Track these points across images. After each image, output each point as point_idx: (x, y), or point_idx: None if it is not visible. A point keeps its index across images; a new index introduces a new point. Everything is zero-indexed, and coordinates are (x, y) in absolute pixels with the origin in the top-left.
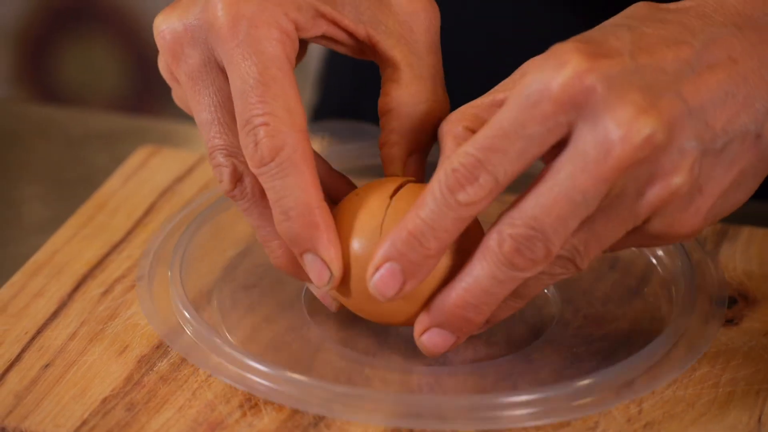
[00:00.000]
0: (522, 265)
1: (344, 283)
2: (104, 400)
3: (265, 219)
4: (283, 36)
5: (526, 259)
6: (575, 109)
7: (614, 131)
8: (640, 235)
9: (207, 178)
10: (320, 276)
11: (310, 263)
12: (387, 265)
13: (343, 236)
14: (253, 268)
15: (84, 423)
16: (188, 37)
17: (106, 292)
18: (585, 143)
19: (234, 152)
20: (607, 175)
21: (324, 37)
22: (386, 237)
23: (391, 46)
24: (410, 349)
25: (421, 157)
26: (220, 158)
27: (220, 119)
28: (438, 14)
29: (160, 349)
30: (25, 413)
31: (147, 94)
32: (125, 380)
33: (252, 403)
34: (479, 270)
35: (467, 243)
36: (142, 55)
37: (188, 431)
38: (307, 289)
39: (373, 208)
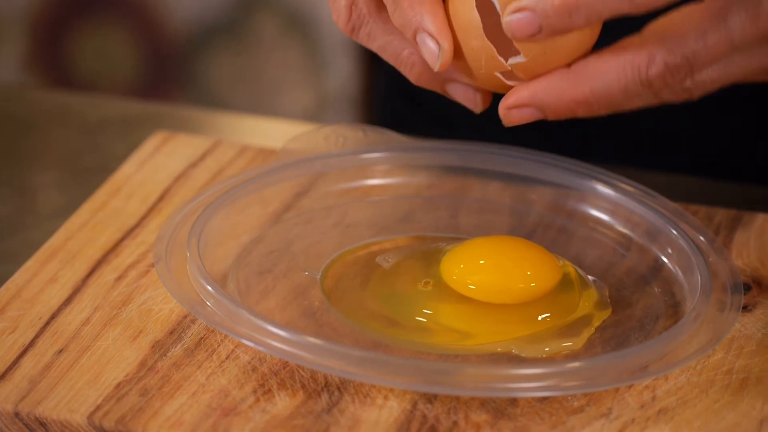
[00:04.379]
0: (658, 87)
1: (459, 57)
2: (118, 386)
3: (390, 33)
4: None
5: (665, 84)
6: None
7: None
8: None
9: (221, 164)
10: (431, 53)
11: (421, 43)
12: (527, 14)
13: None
14: (267, 254)
15: (98, 408)
16: None
17: (120, 278)
18: None
19: None
20: None
21: None
22: None
23: None
24: (426, 334)
25: None
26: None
27: None
28: None
29: (174, 334)
30: (39, 398)
31: (162, 80)
32: (139, 365)
33: (266, 388)
34: (613, 77)
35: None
36: (156, 40)
37: (202, 417)
38: (323, 275)
39: None
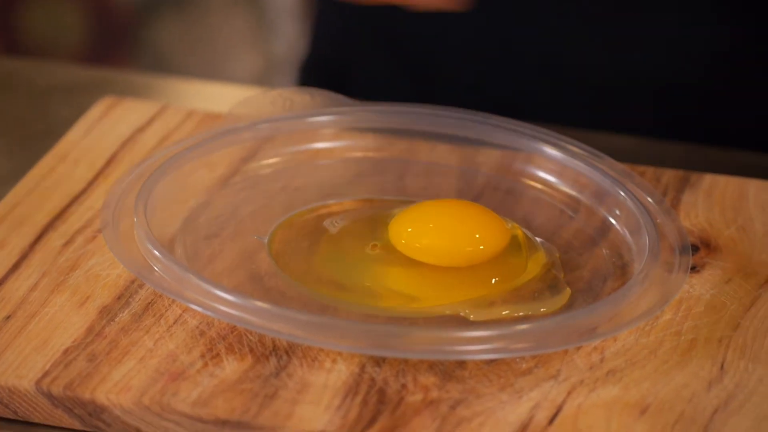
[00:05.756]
0: None
1: None
2: (66, 351)
3: None
4: None
5: None
6: None
7: None
8: None
9: (168, 129)
10: None
11: None
12: None
13: None
14: (214, 218)
15: (46, 374)
16: None
17: (67, 243)
18: None
19: None
20: None
21: None
22: None
23: None
24: (374, 298)
25: None
26: None
27: None
28: None
29: (122, 299)
30: None
31: (110, 46)
32: (87, 331)
33: (214, 353)
34: None
35: None
36: (105, 6)
37: (150, 381)
38: (270, 239)
39: None
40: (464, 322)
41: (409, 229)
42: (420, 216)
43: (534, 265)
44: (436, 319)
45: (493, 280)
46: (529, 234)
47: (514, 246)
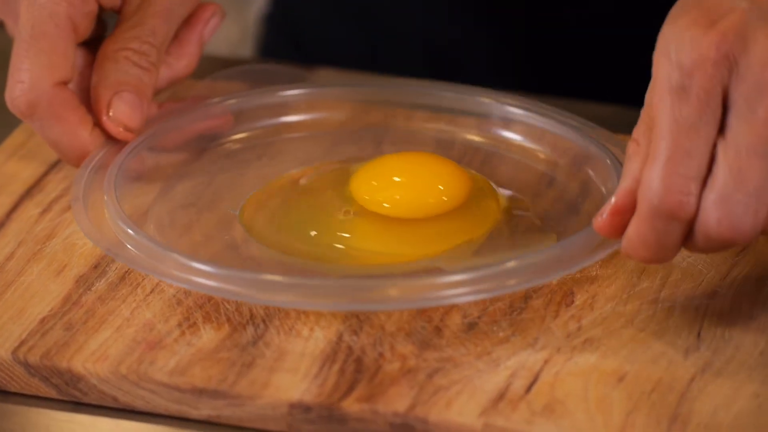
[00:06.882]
0: None
1: None
2: (42, 320)
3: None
4: None
5: None
6: None
7: None
8: None
9: None
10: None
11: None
12: None
13: None
14: (190, 187)
15: (22, 343)
16: None
17: (44, 212)
18: None
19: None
20: None
21: None
22: None
23: None
24: (347, 258)
25: None
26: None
27: None
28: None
29: (98, 268)
30: None
31: None
32: (63, 300)
33: (191, 321)
34: None
35: None
36: None
37: (127, 350)
38: (243, 208)
39: None
40: (442, 273)
41: (374, 183)
42: (381, 169)
43: (498, 210)
44: (412, 272)
45: (461, 229)
46: (493, 184)
47: (479, 194)
